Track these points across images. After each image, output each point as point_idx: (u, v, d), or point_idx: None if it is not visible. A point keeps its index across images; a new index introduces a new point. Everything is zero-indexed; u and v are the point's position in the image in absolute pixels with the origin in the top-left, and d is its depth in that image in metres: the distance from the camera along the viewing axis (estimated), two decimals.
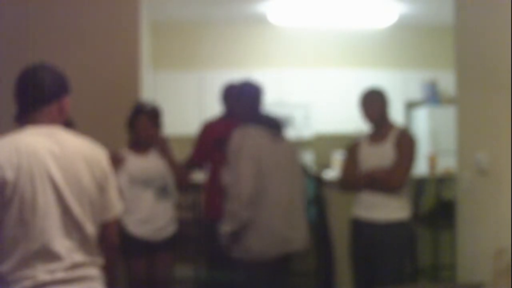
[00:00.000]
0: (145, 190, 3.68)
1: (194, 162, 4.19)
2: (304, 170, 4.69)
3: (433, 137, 7.14)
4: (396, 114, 7.53)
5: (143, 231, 3.68)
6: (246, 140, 3.26)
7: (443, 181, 5.21)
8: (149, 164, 3.72)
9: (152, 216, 3.68)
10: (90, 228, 2.10)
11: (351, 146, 3.80)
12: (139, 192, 3.67)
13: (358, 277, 3.70)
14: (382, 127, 3.65)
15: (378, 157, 3.58)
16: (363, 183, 3.59)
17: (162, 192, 3.71)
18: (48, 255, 1.99)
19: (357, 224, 3.67)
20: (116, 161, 3.60)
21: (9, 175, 1.95)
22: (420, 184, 5.13)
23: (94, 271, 2.11)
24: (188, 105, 7.14)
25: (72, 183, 2.06)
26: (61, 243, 2.01)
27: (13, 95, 2.17)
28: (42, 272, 1.97)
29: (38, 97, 2.13)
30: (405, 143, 3.57)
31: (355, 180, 3.65)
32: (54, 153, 2.05)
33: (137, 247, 3.68)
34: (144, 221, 3.67)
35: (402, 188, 3.56)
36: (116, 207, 2.24)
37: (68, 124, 3.35)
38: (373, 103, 3.65)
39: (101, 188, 2.16)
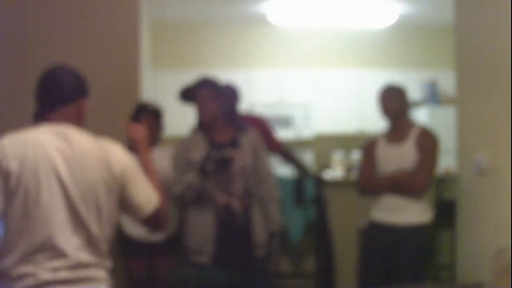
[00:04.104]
0: None
1: None
2: (304, 170, 4.71)
3: None
4: None
5: (140, 231, 3.67)
6: None
7: (443, 181, 5.20)
8: None
9: None
10: (96, 229, 2.07)
11: (367, 145, 3.65)
12: None
13: (371, 280, 3.55)
14: (401, 125, 3.52)
15: (398, 158, 3.45)
16: (384, 187, 3.45)
17: None
18: (51, 250, 1.98)
19: (377, 228, 3.53)
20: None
21: (13, 165, 1.98)
22: None
23: (100, 273, 2.09)
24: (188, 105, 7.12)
25: (79, 182, 2.05)
26: (67, 240, 2.00)
27: (34, 94, 2.20)
28: (44, 270, 1.96)
29: (55, 97, 2.15)
30: (427, 143, 3.44)
31: (376, 183, 3.51)
32: (62, 150, 2.05)
33: (136, 248, 3.67)
34: None
35: (426, 192, 3.46)
36: (151, 199, 2.18)
37: None
38: (392, 98, 3.50)
39: (121, 186, 2.12)
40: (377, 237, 3.54)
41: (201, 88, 3.33)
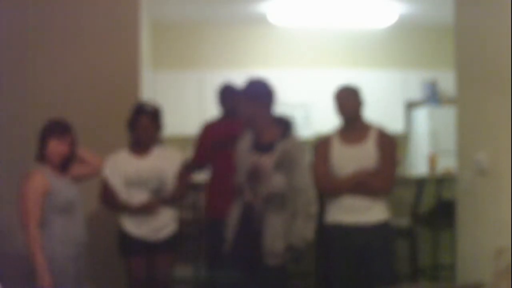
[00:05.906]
0: (140, 191, 3.68)
1: (197, 163, 4.22)
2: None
3: (433, 137, 7.14)
4: (396, 114, 7.55)
5: (140, 231, 3.68)
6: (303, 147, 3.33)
7: (443, 181, 5.20)
8: (145, 165, 3.70)
9: (148, 217, 3.68)
10: None
11: (320, 144, 3.65)
12: (134, 192, 3.67)
13: (347, 283, 3.51)
14: (357, 126, 3.54)
15: (358, 158, 3.45)
16: (347, 187, 3.44)
17: (158, 193, 3.70)
18: None
19: (342, 230, 3.50)
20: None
21: None
22: (420, 184, 5.12)
23: None
24: (188, 105, 7.12)
25: None
26: None
27: None
28: None
29: None
30: (387, 143, 3.49)
31: (337, 183, 3.49)
32: None
33: (136, 247, 3.68)
34: (140, 221, 3.67)
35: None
36: None
37: (65, 127, 3.35)
38: (349, 98, 3.53)
39: None
40: (344, 240, 3.49)
41: (243, 92, 3.35)
